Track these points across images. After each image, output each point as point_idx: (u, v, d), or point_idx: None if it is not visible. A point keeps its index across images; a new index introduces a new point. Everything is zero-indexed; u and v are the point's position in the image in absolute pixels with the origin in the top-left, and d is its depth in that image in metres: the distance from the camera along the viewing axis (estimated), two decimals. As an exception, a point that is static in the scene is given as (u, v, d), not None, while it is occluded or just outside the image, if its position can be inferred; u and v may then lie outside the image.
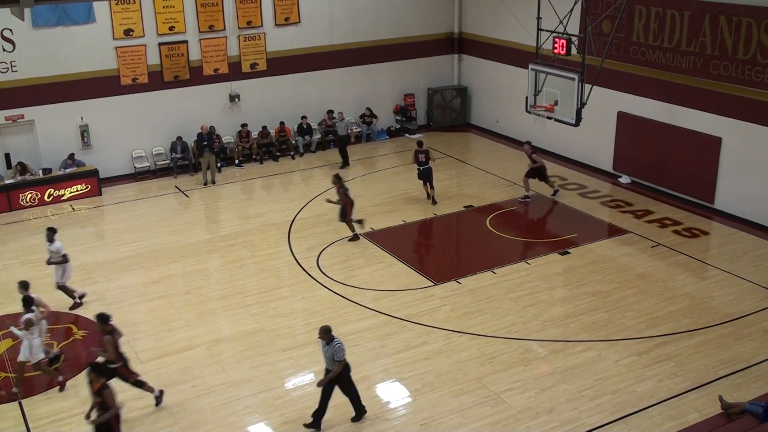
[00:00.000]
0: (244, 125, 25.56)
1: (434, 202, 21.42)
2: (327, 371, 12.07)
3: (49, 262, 16.31)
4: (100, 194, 23.03)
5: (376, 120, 27.75)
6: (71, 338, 15.21)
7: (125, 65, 23.83)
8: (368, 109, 27.65)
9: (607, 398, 12.83)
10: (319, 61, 26.62)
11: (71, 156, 23.03)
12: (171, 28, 24.20)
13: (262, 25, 25.50)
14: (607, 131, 23.21)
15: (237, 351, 14.56)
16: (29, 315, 13.44)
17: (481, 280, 17.03)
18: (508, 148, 26.32)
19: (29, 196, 22.23)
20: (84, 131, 23.64)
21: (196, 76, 24.89)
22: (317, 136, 26.85)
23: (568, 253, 18.26)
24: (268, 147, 25.93)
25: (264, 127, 25.74)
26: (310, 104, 26.78)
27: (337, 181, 19.29)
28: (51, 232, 16.21)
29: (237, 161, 25.45)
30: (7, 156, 22.76)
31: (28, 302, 13.73)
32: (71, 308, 16.30)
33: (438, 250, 19.47)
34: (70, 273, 16.50)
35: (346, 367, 12.08)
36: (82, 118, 23.54)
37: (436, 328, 15.07)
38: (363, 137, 27.67)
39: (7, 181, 22.17)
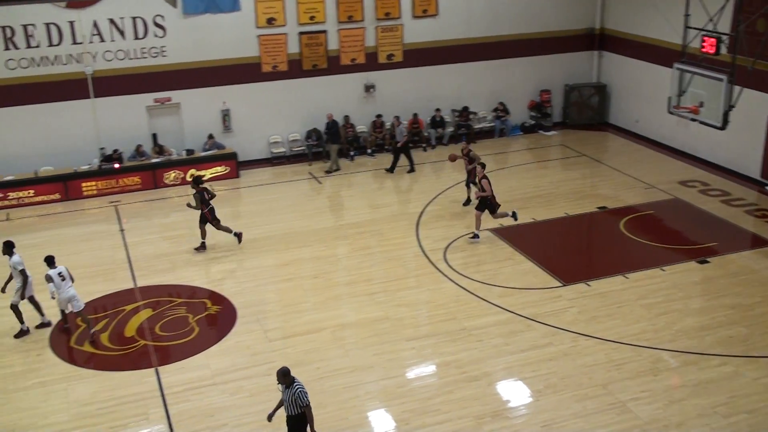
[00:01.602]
0: (378, 116, 25.83)
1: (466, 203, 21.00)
2: (289, 417, 10.77)
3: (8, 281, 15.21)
4: (238, 176, 23.89)
5: (508, 115, 27.40)
6: (205, 312, 15.83)
7: (266, 53, 24.55)
8: (501, 103, 27.33)
9: (743, 417, 12.16)
10: (455, 54, 26.52)
11: (210, 136, 23.96)
12: (311, 18, 24.72)
13: (400, 17, 25.65)
14: (756, 136, 21.96)
15: (361, 337, 14.76)
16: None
17: (612, 284, 16.52)
18: (647, 150, 25.39)
19: (173, 175, 23.34)
20: (225, 115, 24.54)
21: (334, 66, 25.34)
22: (450, 129, 26.81)
23: (707, 262, 17.43)
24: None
25: (397, 118, 25.89)
26: (444, 97, 26.75)
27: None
28: (8, 246, 15.17)
29: (369, 150, 25.76)
30: (155, 136, 23.94)
31: (50, 261, 14.96)
32: (37, 326, 15.36)
33: (568, 250, 19.02)
34: (30, 290, 15.31)
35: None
36: (224, 103, 24.45)
37: (562, 330, 14.74)
38: (496, 132, 27.38)
39: (153, 160, 23.34)
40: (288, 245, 18.90)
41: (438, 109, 26.40)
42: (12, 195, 22.05)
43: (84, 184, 22.57)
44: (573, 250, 19.10)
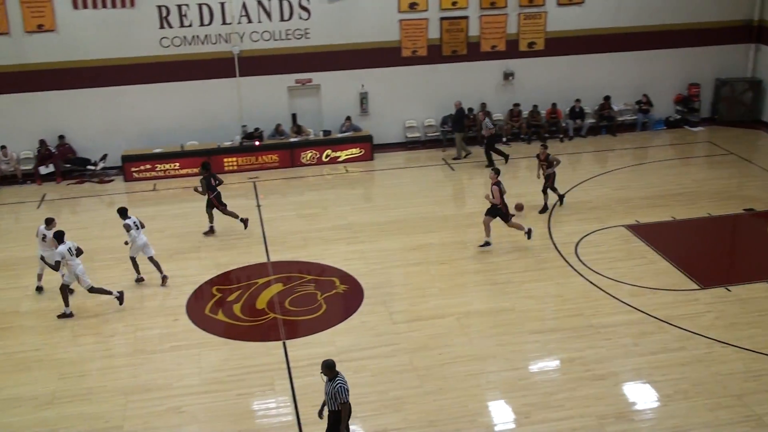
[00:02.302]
0: (516, 104, 25.45)
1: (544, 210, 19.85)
2: (330, 412, 10.61)
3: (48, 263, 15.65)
4: (372, 159, 24.18)
5: (652, 108, 26.33)
6: (333, 290, 16.14)
7: (407, 37, 24.65)
8: (645, 95, 26.31)
9: None
10: (599, 44, 25.71)
11: (348, 118, 24.34)
12: (454, 3, 24.59)
13: (544, 4, 25.10)
14: None
15: (485, 326, 14.64)
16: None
17: (755, 290, 15.61)
18: (802, 151, 23.84)
19: (309, 155, 23.90)
20: (363, 98, 24.86)
21: (473, 52, 25.14)
22: (589, 120, 26.07)
23: None
24: (537, 128, 25.63)
25: (535, 107, 25.45)
26: (585, 87, 26.01)
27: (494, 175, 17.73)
28: (60, 235, 15.38)
29: (504, 139, 25.44)
30: (294, 116, 24.56)
31: (123, 212, 16.40)
32: (58, 316, 15.45)
33: (708, 252, 18.09)
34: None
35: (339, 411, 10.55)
36: (362, 86, 24.76)
37: (697, 335, 14.08)
38: (638, 125, 26.39)
39: (291, 139, 23.97)
40: (417, 230, 18.96)
41: (578, 100, 25.72)
42: (159, 167, 23.24)
43: (226, 160, 23.49)
44: (714, 252, 18.16)
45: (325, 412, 10.73)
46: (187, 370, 13.47)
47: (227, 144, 23.77)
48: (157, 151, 23.41)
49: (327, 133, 24.27)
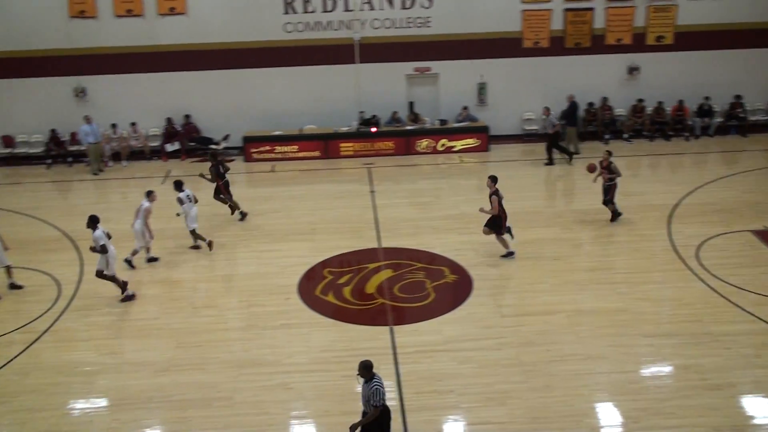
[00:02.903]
0: (640, 100, 24.65)
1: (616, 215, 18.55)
2: (364, 414, 10.34)
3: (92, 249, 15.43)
4: (488, 150, 23.97)
5: (788, 109, 25.02)
6: (442, 280, 16.12)
7: (529, 28, 24.27)
8: (781, 95, 25.01)
9: None
10: (732, 39, 24.55)
11: (465, 107, 24.21)
12: (580, -6, 24.07)
13: (675, -3, 24.23)
14: None
15: (597, 326, 14.27)
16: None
17: None
18: None
19: (425, 143, 23.92)
20: (481, 89, 24.67)
21: (597, 45, 24.52)
22: (717, 119, 24.96)
23: None
24: (661, 125, 24.76)
25: (660, 104, 24.58)
26: (715, 84, 24.92)
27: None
28: (92, 221, 15.26)
29: (626, 135, 24.70)
30: (411, 104, 24.62)
31: (179, 185, 17.37)
32: (122, 300, 15.60)
33: (842, 263, 17.03)
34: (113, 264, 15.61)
35: (384, 413, 10.21)
36: (481, 76, 24.56)
37: (826, 350, 13.28)
38: (774, 127, 25.13)
39: (408, 127, 24.05)
40: (531, 223, 18.68)
41: (707, 98, 24.66)
42: (278, 149, 23.81)
43: (342, 145, 23.82)
44: None
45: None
46: (296, 348, 13.76)
47: (344, 129, 24.09)
48: (277, 133, 23.98)
49: (443, 122, 24.23)
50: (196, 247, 17.84)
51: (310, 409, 12.19)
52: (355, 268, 16.66)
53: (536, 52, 24.51)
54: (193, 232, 17.70)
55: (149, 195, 16.81)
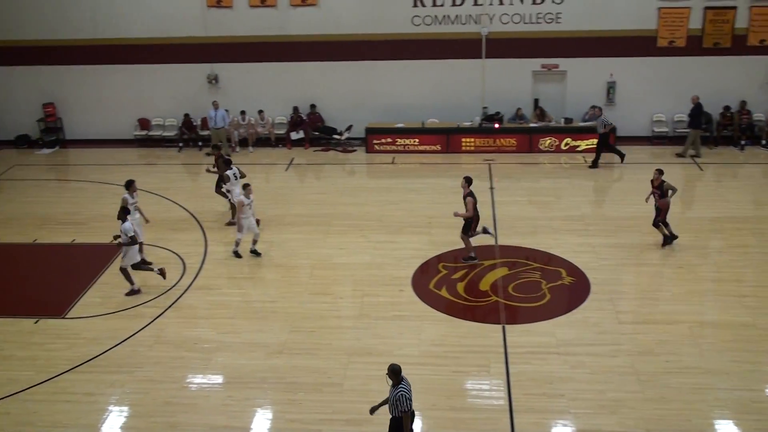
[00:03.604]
0: (782, 104, 23.37)
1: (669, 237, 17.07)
2: (391, 418, 10.31)
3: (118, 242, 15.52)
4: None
5: None
6: (559, 281, 15.79)
7: (665, 27, 23.36)
8: None
9: None
10: None
11: (592, 106, 23.55)
12: (723, -8, 22.96)
13: (830, -5, 22.73)
14: None
15: (720, 339, 13.61)
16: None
17: None
18: None
19: (548, 141, 23.49)
20: (610, 88, 23.96)
21: (738, 46, 23.31)
22: None
23: None
24: (804, 132, 23.39)
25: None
26: None
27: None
28: (123, 212, 15.56)
29: (764, 142, 23.44)
30: (536, 101, 24.22)
31: (228, 163, 18.29)
32: (127, 294, 15.70)
33: None
34: (135, 256, 15.72)
35: (403, 420, 10.20)
36: (611, 75, 23.85)
37: None
38: None
39: (532, 125, 23.67)
40: (655, 229, 18.00)
41: None
42: (400, 141, 23.95)
43: (464, 140, 23.70)
44: None
45: (382, 410, 10.59)
46: (407, 340, 13.83)
47: (467, 124, 23.96)
48: (399, 125, 24.10)
49: (568, 120, 23.70)
50: (232, 223, 18.41)
51: (417, 402, 12.17)
52: (470, 264, 16.55)
53: (671, 51, 23.56)
54: (234, 207, 18.29)
55: (245, 188, 17.02)
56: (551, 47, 23.76)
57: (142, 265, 15.92)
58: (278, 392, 12.51)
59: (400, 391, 10.02)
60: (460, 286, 15.67)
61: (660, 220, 17.03)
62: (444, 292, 15.49)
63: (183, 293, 15.77)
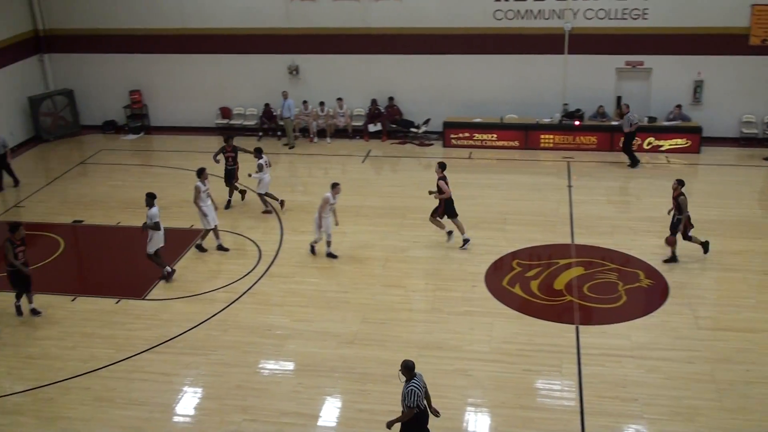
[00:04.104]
0: None
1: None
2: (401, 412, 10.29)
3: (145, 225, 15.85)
4: (699, 152, 22.57)
5: None
6: (636, 283, 15.43)
7: (758, 25, 22.48)
8: None
9: None
10: None
11: (678, 106, 22.93)
12: (822, -11, 21.96)
13: None
14: None
15: (806, 350, 13.11)
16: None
17: None
18: None
19: (630, 140, 22.94)
20: (697, 87, 23.23)
21: (836, 45, 22.31)
22: None
23: None
24: None
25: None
26: None
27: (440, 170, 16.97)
28: (150, 198, 15.75)
29: None
30: (619, 99, 23.66)
31: (259, 152, 18.81)
32: (161, 278, 16.01)
33: None
34: (159, 242, 15.95)
35: (418, 416, 10.13)
36: (699, 74, 23.13)
37: None
38: None
39: (613, 123, 23.15)
40: (740, 233, 17.42)
41: None
42: (477, 136, 23.75)
43: (543, 136, 23.36)
44: None
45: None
46: (478, 336, 13.74)
47: (546, 121, 23.60)
48: (477, 120, 23.92)
49: (652, 119, 23.08)
50: (268, 212, 19.06)
51: (487, 398, 12.14)
52: (544, 263, 16.34)
53: (764, 50, 22.68)
54: (262, 197, 18.98)
55: (333, 187, 16.62)
56: (636, 44, 23.16)
57: (155, 257, 16.04)
58: (348, 382, 12.60)
59: (411, 386, 10.05)
60: (534, 284, 15.47)
61: (683, 233, 16.03)
62: (517, 290, 15.33)
63: (258, 280, 16.03)
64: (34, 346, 13.96)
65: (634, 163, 21.86)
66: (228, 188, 19.71)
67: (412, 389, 10.01)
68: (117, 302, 15.36)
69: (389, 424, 10.32)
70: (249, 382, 12.69)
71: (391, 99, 24.92)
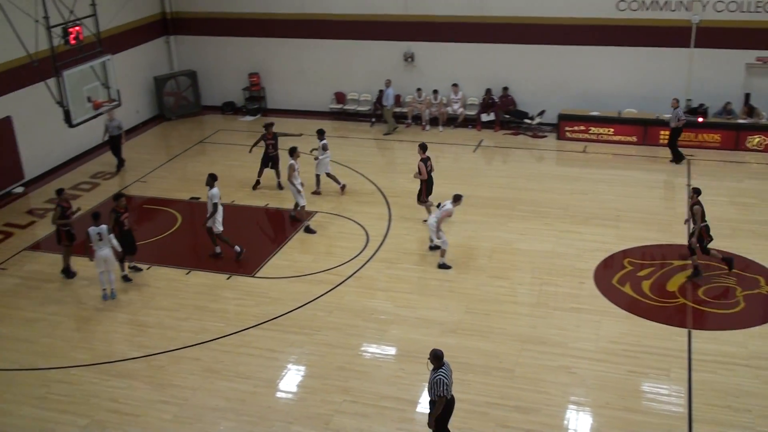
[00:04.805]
0: None
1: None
2: (431, 403, 10.33)
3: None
4: (831, 155, 21.31)
5: None
6: (757, 290, 14.71)
7: None
8: None
9: None
10: None
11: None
12: None
13: None
14: None
15: None
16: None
17: None
18: None
19: (756, 140, 21.83)
20: (834, 85, 21.89)
21: None
22: None
23: None
24: None
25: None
26: None
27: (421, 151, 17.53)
28: (211, 179, 16.34)
29: None
30: (747, 96, 22.54)
31: (321, 133, 19.33)
32: (211, 255, 16.72)
33: None
34: (218, 223, 16.37)
35: (448, 404, 10.27)
36: (837, 71, 21.80)
37: None
38: None
39: (740, 121, 22.10)
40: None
41: None
42: (593, 130, 23.15)
43: (663, 132, 22.50)
44: None
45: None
46: (584, 334, 13.44)
47: (667, 116, 22.73)
48: (594, 114, 23.30)
49: (787, 118, 21.88)
50: (317, 193, 19.41)
51: (590, 398, 11.88)
52: (658, 263, 15.80)
53: None
54: (318, 177, 19.43)
55: (456, 200, 16.02)
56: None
57: (223, 237, 16.53)
58: (448, 371, 12.58)
59: (439, 375, 10.04)
60: (646, 285, 14.99)
61: (701, 245, 15.03)
62: (627, 289, 14.89)
63: (364, 264, 16.19)
64: (149, 315, 14.59)
65: (678, 159, 21.15)
66: (259, 169, 20.32)
67: (440, 378, 10.04)
68: (228, 278, 15.86)
69: (430, 424, 10.41)
70: (351, 364, 12.85)
71: (505, 89, 24.59)
